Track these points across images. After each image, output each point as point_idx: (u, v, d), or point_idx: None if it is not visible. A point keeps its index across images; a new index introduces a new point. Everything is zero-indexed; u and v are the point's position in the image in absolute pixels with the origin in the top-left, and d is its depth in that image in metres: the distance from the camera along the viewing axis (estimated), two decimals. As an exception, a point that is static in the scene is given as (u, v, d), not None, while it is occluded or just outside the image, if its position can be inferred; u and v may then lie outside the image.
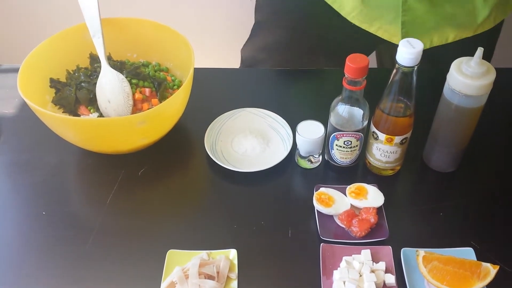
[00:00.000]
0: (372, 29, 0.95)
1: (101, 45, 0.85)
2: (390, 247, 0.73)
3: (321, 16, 1.04)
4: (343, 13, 0.96)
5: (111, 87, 0.84)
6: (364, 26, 0.95)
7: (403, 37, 0.92)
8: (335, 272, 0.70)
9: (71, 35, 0.91)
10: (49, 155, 0.89)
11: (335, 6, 0.97)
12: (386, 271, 0.70)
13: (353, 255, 0.72)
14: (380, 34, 0.95)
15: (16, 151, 0.90)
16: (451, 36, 0.94)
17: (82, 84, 0.88)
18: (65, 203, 0.82)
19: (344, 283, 0.68)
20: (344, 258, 0.71)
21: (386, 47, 1.12)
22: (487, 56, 1.10)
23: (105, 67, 0.85)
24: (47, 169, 0.87)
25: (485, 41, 1.00)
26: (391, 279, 0.69)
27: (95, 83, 0.86)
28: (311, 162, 0.85)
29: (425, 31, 0.93)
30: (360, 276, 0.69)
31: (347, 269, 0.69)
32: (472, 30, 0.94)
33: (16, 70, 0.82)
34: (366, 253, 0.72)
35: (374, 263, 0.71)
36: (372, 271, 0.69)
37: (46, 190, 0.84)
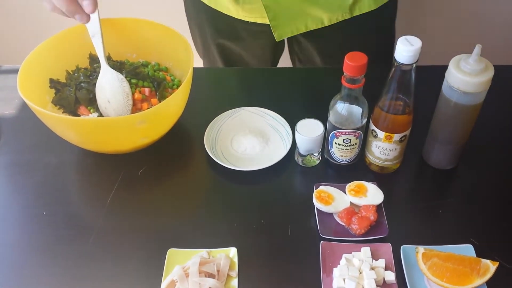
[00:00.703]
0: (265, 20, 0.94)
1: (101, 45, 0.85)
2: (389, 244, 0.73)
3: (224, 25, 1.04)
4: (232, 13, 0.94)
5: (110, 87, 0.84)
6: (258, 20, 0.94)
7: (271, 21, 0.92)
8: (335, 269, 0.70)
9: (70, 35, 0.91)
10: (50, 155, 0.89)
11: (224, 10, 0.96)
12: (386, 268, 0.70)
13: (353, 253, 0.72)
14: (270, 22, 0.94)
15: (17, 151, 0.90)
16: (325, 18, 0.92)
17: (82, 84, 0.88)
18: (66, 203, 0.82)
19: (344, 281, 0.68)
20: (344, 255, 0.71)
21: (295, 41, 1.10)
22: (389, 31, 1.07)
23: (104, 67, 0.85)
24: (48, 169, 0.87)
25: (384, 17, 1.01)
26: (390, 276, 0.69)
27: (95, 83, 0.86)
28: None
29: (294, 16, 0.91)
30: (360, 273, 0.69)
31: (347, 267, 0.69)
32: (348, 13, 0.93)
33: (16, 71, 0.82)
34: (365, 250, 0.72)
35: (373, 260, 0.71)
36: (372, 268, 0.69)
37: (47, 190, 0.84)
